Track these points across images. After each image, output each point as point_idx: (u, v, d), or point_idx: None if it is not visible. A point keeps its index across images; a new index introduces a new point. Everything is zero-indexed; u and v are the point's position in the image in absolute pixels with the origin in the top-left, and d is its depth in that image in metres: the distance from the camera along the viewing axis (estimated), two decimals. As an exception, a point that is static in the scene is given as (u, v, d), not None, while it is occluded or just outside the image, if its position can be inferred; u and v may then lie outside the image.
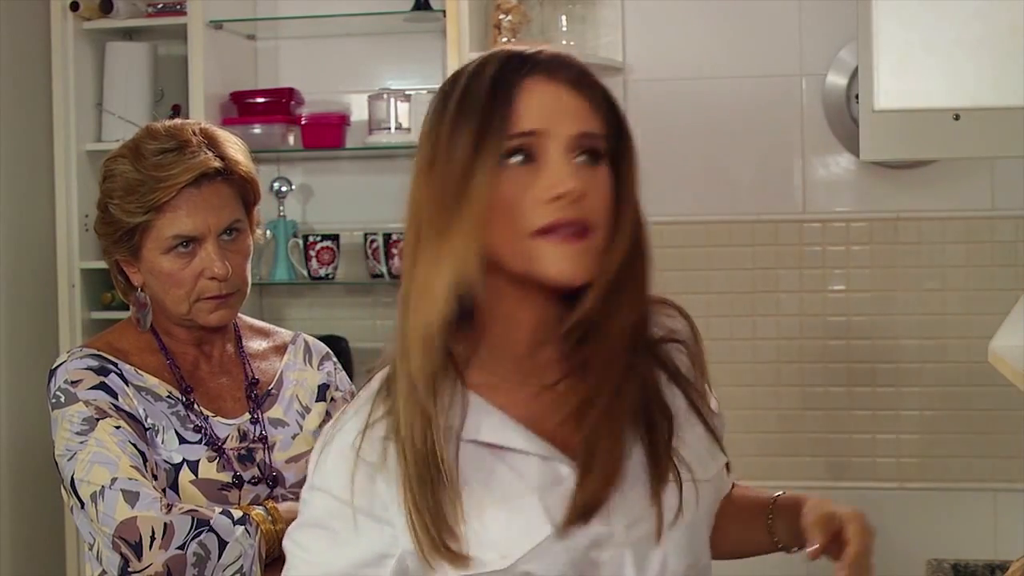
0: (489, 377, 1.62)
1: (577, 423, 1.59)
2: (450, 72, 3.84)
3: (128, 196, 2.16)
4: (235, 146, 2.24)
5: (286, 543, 1.66)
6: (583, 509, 1.55)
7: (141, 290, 2.25)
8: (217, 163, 2.18)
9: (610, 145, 1.59)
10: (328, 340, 3.27)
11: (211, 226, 2.17)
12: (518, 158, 1.55)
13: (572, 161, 1.55)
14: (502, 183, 1.54)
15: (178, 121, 2.25)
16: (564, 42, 4.11)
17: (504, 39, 4.02)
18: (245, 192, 2.24)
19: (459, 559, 1.53)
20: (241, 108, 4.26)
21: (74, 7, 4.15)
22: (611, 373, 1.59)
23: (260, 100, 4.28)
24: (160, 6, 4.26)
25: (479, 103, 1.55)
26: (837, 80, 4.05)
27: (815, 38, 4.07)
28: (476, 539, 1.54)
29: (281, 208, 4.28)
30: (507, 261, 1.55)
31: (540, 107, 1.55)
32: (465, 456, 1.57)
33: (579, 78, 1.59)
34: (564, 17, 4.12)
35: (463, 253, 1.52)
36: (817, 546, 1.57)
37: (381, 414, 1.60)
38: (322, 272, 4.21)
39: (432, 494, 1.53)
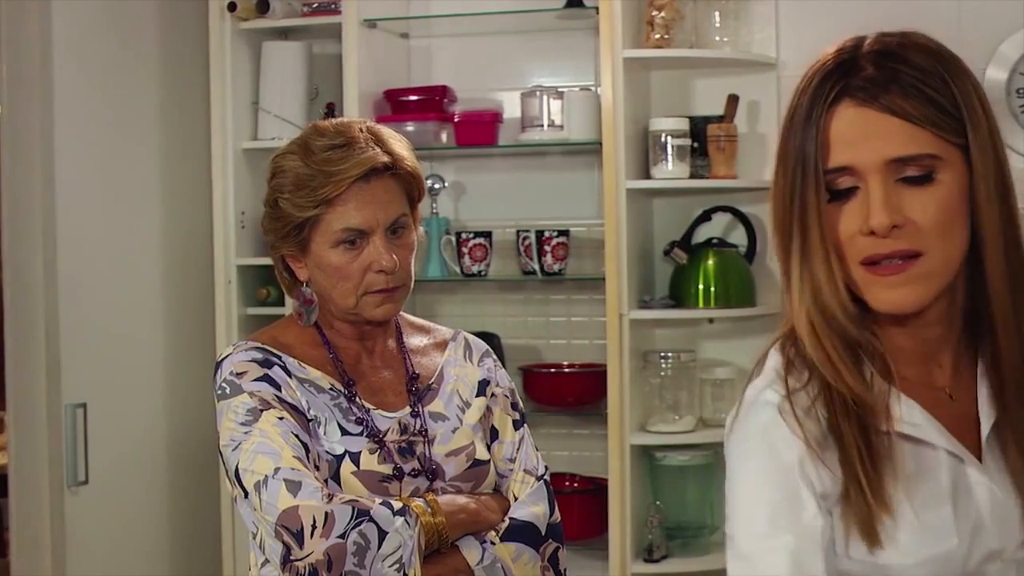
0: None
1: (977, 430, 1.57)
2: (603, 69, 3.87)
3: (299, 191, 2.20)
4: (400, 143, 2.27)
5: None
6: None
7: (307, 285, 2.28)
8: (385, 159, 2.21)
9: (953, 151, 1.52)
10: (480, 337, 3.28)
11: (379, 220, 2.21)
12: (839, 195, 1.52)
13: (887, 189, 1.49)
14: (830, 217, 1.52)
15: (344, 119, 2.29)
16: (717, 38, 4.08)
17: (657, 36, 4.00)
18: (410, 188, 2.27)
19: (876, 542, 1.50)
20: (394, 106, 4.29)
21: (231, 8, 4.21)
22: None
23: (413, 98, 4.30)
24: (315, 6, 4.31)
25: (798, 135, 1.54)
26: (997, 74, 3.96)
27: (976, 31, 3.98)
28: (889, 527, 1.50)
29: (434, 205, 4.30)
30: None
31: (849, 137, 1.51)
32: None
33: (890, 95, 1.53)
34: (717, 13, 4.08)
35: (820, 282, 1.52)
36: None
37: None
38: (474, 269, 4.22)
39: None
